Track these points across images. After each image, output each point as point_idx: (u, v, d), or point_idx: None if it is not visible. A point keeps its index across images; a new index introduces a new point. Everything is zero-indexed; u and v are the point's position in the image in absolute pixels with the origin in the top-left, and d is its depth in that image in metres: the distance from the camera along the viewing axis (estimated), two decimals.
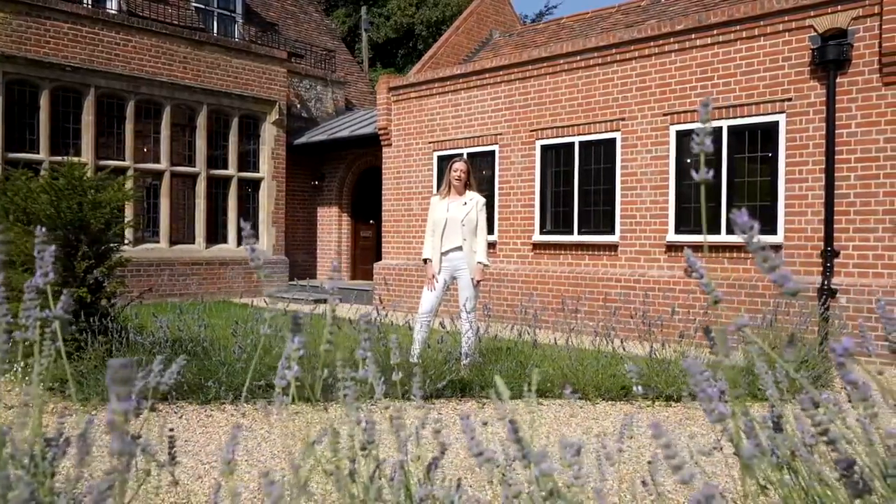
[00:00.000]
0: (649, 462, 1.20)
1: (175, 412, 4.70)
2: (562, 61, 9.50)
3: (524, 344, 5.77)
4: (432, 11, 28.10)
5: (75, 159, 7.80)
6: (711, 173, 0.67)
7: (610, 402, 5.13)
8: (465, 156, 10.58)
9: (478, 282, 5.81)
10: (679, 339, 5.20)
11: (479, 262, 5.77)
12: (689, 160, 8.35)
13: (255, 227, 13.54)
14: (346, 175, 14.58)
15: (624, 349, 5.37)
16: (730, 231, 7.95)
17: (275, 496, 0.63)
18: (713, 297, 0.84)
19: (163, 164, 12.20)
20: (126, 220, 7.64)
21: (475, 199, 5.87)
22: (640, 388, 1.36)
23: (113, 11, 12.61)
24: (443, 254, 5.80)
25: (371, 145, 13.03)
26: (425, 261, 5.92)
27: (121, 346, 5.15)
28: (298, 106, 14.84)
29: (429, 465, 1.13)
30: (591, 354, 5.44)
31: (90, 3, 12.46)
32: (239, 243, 13.19)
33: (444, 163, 10.07)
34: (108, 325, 5.31)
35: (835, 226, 7.20)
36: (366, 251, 14.51)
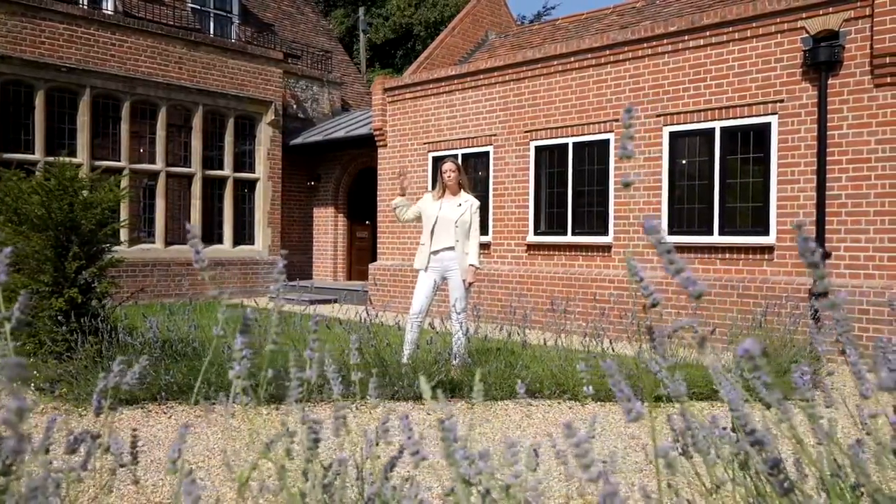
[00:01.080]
0: (603, 462, 1.21)
1: (164, 412, 4.71)
2: (556, 62, 9.51)
3: (514, 344, 5.78)
4: (431, 12, 28.10)
5: (68, 160, 7.81)
6: (633, 176, 0.69)
7: (599, 403, 5.14)
8: (459, 157, 10.59)
9: (469, 283, 5.82)
10: (667, 339, 5.21)
11: (471, 265, 5.78)
12: (686, 161, 8.36)
13: (251, 227, 13.55)
14: (342, 176, 14.59)
15: (613, 349, 5.38)
16: (722, 232, 7.97)
17: (193, 496, 0.64)
18: (651, 300, 0.85)
19: (158, 165, 12.21)
20: (120, 220, 7.63)
21: (470, 201, 5.88)
22: (590, 388, 1.37)
23: (109, 12, 12.62)
24: (433, 253, 5.81)
25: (367, 146, 13.05)
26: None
27: (111, 346, 5.16)
28: (294, 106, 14.85)
29: (386, 464, 1.14)
30: (581, 355, 5.45)
31: (86, 3, 12.47)
32: (235, 244, 13.20)
33: (440, 163, 10.08)
34: (99, 325, 5.32)
35: (826, 227, 7.21)
36: (362, 252, 14.52)
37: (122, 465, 1.25)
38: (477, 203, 5.88)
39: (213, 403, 4.89)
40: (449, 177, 5.84)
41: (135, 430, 1.31)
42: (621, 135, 0.71)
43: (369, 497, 0.96)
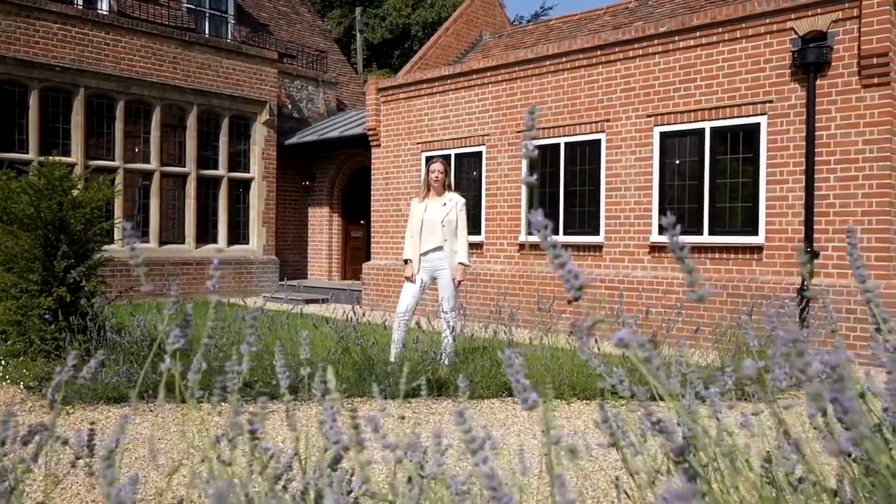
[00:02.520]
0: (545, 454, 1.24)
1: (152, 410, 4.73)
2: (548, 63, 9.55)
3: (500, 343, 5.82)
4: (428, 12, 28.12)
5: (59, 159, 7.84)
6: (536, 177, 0.72)
7: (585, 402, 5.17)
8: (452, 156, 10.63)
9: (459, 282, 5.87)
10: (652, 337, 5.25)
11: (461, 263, 5.83)
12: (676, 161, 8.40)
13: (245, 227, 13.57)
14: (337, 175, 14.62)
15: (599, 348, 5.41)
16: (712, 232, 8.01)
17: (108, 478, 0.67)
18: (574, 295, 0.88)
19: (153, 165, 12.23)
20: (108, 219, 7.65)
21: (455, 199, 5.92)
22: (526, 381, 1.40)
23: (104, 12, 12.64)
24: (422, 254, 5.84)
25: (361, 146, 13.07)
26: (406, 261, 5.97)
27: (99, 345, 5.19)
28: (290, 106, 14.88)
29: (333, 459, 1.17)
30: (567, 353, 5.49)
31: (80, 3, 12.49)
32: (229, 244, 13.22)
33: (429, 163, 10.11)
34: (88, 324, 5.34)
35: (815, 227, 7.25)
36: (356, 251, 14.55)
37: (78, 458, 1.28)
38: (462, 201, 5.92)
39: (208, 401, 4.91)
40: (436, 178, 5.89)
41: (92, 423, 1.34)
42: (527, 136, 0.73)
43: (306, 484, 0.99)
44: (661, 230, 8.39)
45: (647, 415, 0.82)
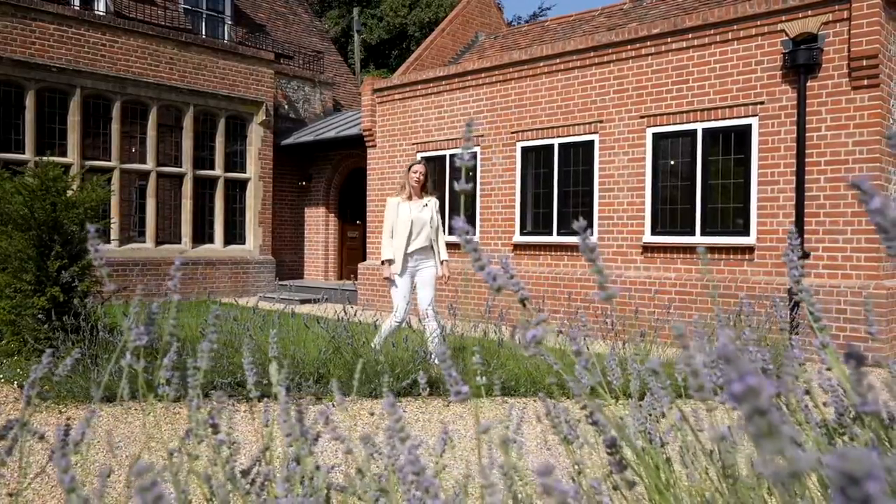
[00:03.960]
0: (501, 443, 1.28)
1: (144, 410, 4.77)
2: (542, 64, 9.59)
3: (490, 342, 5.87)
4: (425, 13, 28.17)
5: (56, 159, 7.88)
6: (471, 185, 0.76)
7: (575, 401, 5.21)
8: (447, 157, 10.68)
9: (448, 277, 6.02)
10: (640, 337, 5.30)
11: (445, 260, 5.99)
12: (669, 162, 8.44)
13: (241, 227, 13.61)
14: (334, 176, 14.66)
15: (588, 347, 5.46)
16: (704, 232, 8.05)
17: (63, 466, 0.72)
18: (496, 287, 0.92)
19: (149, 165, 12.27)
20: (104, 219, 7.70)
21: (433, 200, 6.04)
22: (483, 378, 1.44)
23: (100, 13, 12.68)
24: (409, 255, 5.90)
25: (357, 146, 13.12)
26: (384, 262, 5.92)
27: (92, 344, 5.23)
28: (286, 107, 14.92)
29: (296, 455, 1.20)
30: (556, 353, 5.53)
31: (77, 4, 12.52)
32: (226, 244, 13.26)
33: (429, 164, 10.15)
34: (80, 324, 5.38)
35: (805, 227, 7.30)
36: (353, 251, 14.59)
37: (54, 452, 1.32)
38: (437, 201, 6.09)
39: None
40: (418, 179, 5.95)
41: (68, 418, 1.38)
42: (464, 146, 0.77)
43: (266, 476, 1.04)
44: (654, 230, 8.45)
45: (582, 408, 0.87)
